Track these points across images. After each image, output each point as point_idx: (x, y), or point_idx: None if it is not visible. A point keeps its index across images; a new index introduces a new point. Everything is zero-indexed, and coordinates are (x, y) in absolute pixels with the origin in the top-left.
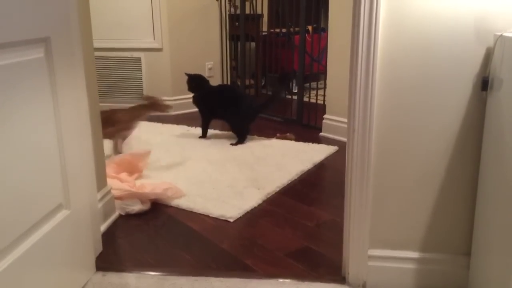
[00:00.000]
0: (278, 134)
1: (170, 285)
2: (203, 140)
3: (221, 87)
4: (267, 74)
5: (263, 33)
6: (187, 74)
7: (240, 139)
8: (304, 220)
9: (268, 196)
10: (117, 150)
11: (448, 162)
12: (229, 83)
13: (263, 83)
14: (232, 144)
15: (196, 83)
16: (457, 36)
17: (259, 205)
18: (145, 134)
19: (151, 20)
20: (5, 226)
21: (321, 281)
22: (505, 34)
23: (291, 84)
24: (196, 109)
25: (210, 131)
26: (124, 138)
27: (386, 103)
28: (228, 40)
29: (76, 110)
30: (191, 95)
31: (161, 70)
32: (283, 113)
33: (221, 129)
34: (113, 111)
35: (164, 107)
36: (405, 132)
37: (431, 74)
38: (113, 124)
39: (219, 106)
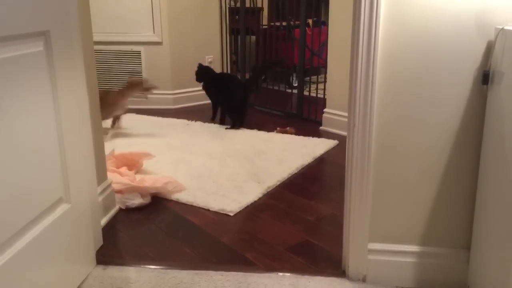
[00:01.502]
0: (278, 128)
1: (170, 279)
2: (203, 135)
3: (220, 75)
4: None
5: (263, 27)
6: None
7: (234, 123)
8: (304, 214)
9: (268, 190)
10: (117, 126)
11: (448, 156)
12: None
13: (263, 77)
14: (227, 128)
15: (201, 72)
16: (458, 29)
17: (259, 199)
18: (146, 129)
19: (151, 13)
20: (5, 220)
21: (321, 275)
22: (506, 27)
23: (291, 78)
24: (196, 103)
25: (210, 125)
26: (118, 117)
27: (387, 97)
28: (228, 33)
29: (76, 103)
30: (191, 88)
31: (161, 63)
32: (283, 107)
33: (220, 123)
34: (105, 93)
35: (148, 88)
36: (405, 126)
37: (432, 68)
38: (107, 106)
39: (216, 92)
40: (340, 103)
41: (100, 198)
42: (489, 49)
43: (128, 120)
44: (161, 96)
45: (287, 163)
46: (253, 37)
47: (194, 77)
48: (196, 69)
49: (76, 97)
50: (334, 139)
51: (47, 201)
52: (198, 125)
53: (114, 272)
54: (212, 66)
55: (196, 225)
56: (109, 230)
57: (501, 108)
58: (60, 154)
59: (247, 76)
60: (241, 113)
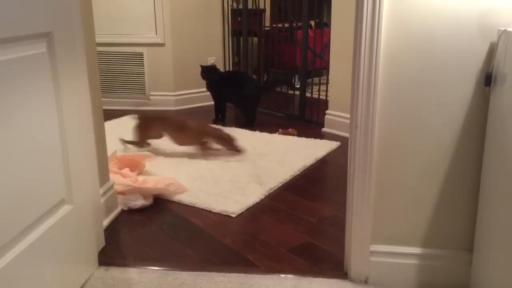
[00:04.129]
0: (280, 130)
1: (172, 280)
2: None
3: (229, 73)
4: (270, 69)
5: (266, 28)
6: (201, 66)
7: (249, 120)
8: (306, 215)
9: (271, 192)
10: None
11: (451, 158)
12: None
13: (265, 78)
14: (242, 127)
15: (208, 71)
16: (461, 31)
17: (261, 200)
18: None
19: (154, 15)
20: (8, 221)
21: (323, 277)
22: (509, 29)
23: (293, 80)
24: (198, 104)
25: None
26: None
27: (389, 99)
28: (230, 35)
29: (78, 105)
30: (193, 90)
31: (164, 65)
32: (285, 108)
33: (222, 125)
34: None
35: (233, 148)
36: (407, 128)
37: (434, 70)
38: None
39: (228, 90)
40: (342, 105)
41: (103, 200)
42: (492, 51)
43: (130, 121)
44: (163, 98)
45: (289, 164)
46: (255, 39)
47: (197, 78)
48: (200, 71)
49: (79, 98)
50: (336, 140)
51: (50, 202)
52: None
53: (116, 273)
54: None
55: (198, 227)
56: (111, 231)
57: (504, 110)
58: (62, 156)
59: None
60: (255, 112)
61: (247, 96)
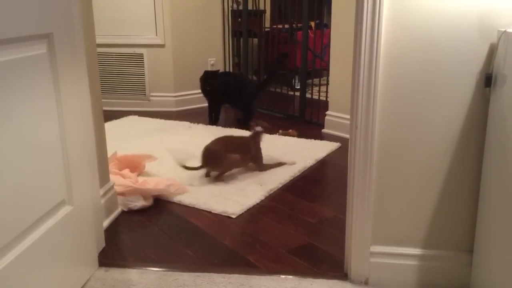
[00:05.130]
0: (280, 131)
1: (172, 281)
2: (205, 136)
3: (223, 74)
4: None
5: (266, 29)
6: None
7: (246, 119)
8: (306, 216)
9: (271, 193)
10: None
11: (451, 159)
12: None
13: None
14: (238, 126)
15: (210, 77)
16: (461, 32)
17: (262, 201)
18: (148, 131)
19: (154, 16)
20: (8, 222)
21: (323, 278)
22: (509, 30)
23: (293, 80)
24: (198, 105)
25: (213, 127)
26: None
27: (389, 100)
28: (230, 36)
29: (78, 106)
30: (193, 91)
31: (164, 66)
32: (285, 109)
33: (223, 126)
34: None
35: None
36: (408, 129)
37: (435, 71)
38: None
39: (224, 91)
40: (342, 106)
41: (103, 200)
42: (492, 52)
43: (130, 122)
44: (163, 99)
45: (289, 165)
46: (255, 40)
47: (197, 79)
48: (201, 76)
49: (79, 99)
50: (336, 141)
51: (50, 203)
52: (200, 127)
53: (116, 274)
54: (214, 69)
55: (198, 227)
56: (111, 232)
57: (504, 111)
58: (63, 156)
59: (250, 78)
60: (253, 109)
61: (246, 93)
